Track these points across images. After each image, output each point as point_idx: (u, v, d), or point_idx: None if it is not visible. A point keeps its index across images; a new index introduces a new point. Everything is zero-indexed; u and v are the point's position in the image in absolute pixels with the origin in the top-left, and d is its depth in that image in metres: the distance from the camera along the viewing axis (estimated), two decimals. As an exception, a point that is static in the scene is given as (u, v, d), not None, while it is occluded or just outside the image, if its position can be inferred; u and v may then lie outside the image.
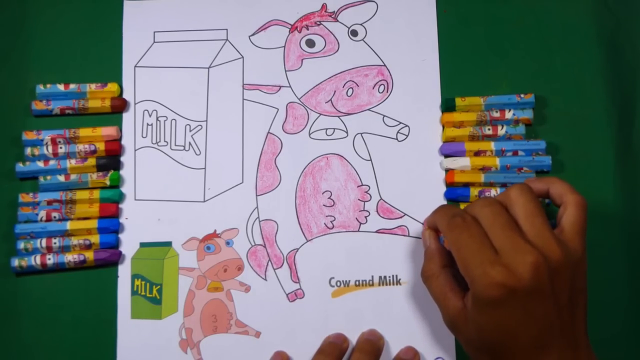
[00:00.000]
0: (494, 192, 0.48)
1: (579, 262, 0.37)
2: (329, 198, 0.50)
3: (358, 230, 0.49)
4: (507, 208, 0.38)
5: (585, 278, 0.38)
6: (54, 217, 0.49)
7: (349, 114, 0.51)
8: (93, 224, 0.48)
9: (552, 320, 0.35)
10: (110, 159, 0.50)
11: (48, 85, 0.51)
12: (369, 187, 0.50)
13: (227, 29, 0.52)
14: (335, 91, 0.51)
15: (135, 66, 0.52)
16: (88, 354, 0.47)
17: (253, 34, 0.52)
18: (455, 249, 0.37)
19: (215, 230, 0.49)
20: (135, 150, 0.51)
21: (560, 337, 0.36)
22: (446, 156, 0.50)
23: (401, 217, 0.49)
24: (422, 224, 0.47)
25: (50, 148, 0.50)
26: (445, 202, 0.49)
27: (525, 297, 0.34)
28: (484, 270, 0.35)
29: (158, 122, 0.51)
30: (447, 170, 0.49)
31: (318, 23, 0.52)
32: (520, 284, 0.34)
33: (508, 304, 0.35)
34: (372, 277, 0.48)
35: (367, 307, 0.48)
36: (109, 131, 0.50)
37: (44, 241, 0.48)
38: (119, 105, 0.51)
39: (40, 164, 0.49)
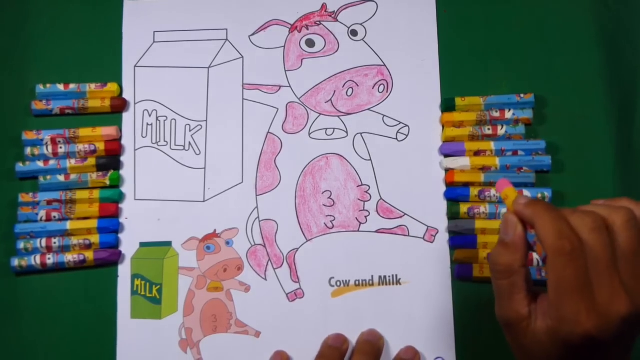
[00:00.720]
0: (493, 191, 0.48)
1: None
2: (329, 198, 0.50)
3: (358, 230, 0.49)
4: (608, 229, 0.35)
5: None
6: (54, 217, 0.49)
7: (349, 114, 0.51)
8: (93, 223, 0.48)
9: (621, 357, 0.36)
10: (110, 159, 0.50)
11: (48, 85, 0.51)
12: (369, 187, 0.50)
13: (227, 29, 0.52)
14: (335, 91, 0.51)
15: (135, 66, 0.52)
16: (88, 354, 0.47)
17: (253, 34, 0.52)
18: (555, 277, 0.34)
19: (215, 230, 0.49)
20: (135, 150, 0.51)
21: None
22: (446, 156, 0.50)
23: (401, 217, 0.49)
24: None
25: (50, 148, 0.50)
26: (445, 202, 0.49)
27: (606, 345, 0.34)
28: (577, 317, 0.33)
29: (158, 122, 0.51)
30: (447, 170, 0.49)
31: (318, 23, 0.52)
32: (607, 335, 0.33)
33: (588, 350, 0.34)
34: (372, 277, 0.48)
35: (367, 307, 0.48)
36: (108, 131, 0.50)
37: (43, 241, 0.48)
38: (119, 105, 0.51)
39: (40, 164, 0.49)
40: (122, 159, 0.50)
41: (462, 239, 0.48)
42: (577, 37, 0.52)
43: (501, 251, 0.37)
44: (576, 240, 0.34)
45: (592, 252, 0.34)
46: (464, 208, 0.48)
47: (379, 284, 0.48)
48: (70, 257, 0.48)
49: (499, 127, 0.49)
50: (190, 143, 0.51)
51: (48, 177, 0.49)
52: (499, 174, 0.48)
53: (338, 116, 0.51)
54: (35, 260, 0.48)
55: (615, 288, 0.34)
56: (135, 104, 0.51)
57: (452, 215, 0.49)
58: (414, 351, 0.46)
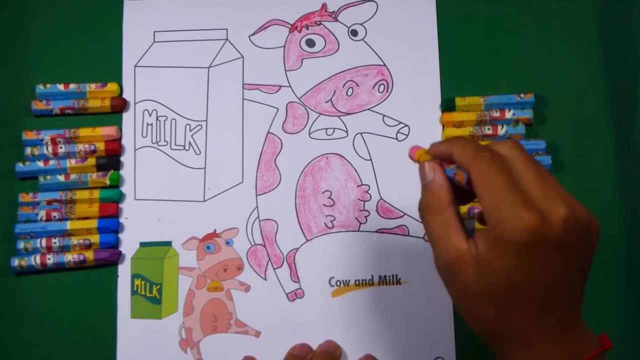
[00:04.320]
0: (494, 191, 0.48)
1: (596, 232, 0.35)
2: (329, 198, 0.50)
3: (358, 230, 0.49)
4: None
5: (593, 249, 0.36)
6: (54, 216, 0.49)
7: (349, 114, 0.51)
8: (93, 223, 0.48)
9: (568, 279, 0.34)
10: (110, 159, 0.50)
11: (48, 85, 0.51)
12: (369, 186, 0.50)
13: (227, 29, 0.52)
14: (335, 91, 0.51)
15: (135, 66, 0.52)
16: (88, 354, 0.47)
17: (253, 34, 0.52)
18: (482, 184, 0.33)
19: (215, 230, 0.49)
20: (135, 150, 0.51)
21: (567, 298, 0.34)
22: (446, 156, 0.50)
23: (401, 216, 0.49)
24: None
25: (50, 148, 0.50)
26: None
27: (551, 249, 0.32)
28: (517, 212, 0.32)
29: (158, 121, 0.51)
30: (447, 170, 0.49)
31: (318, 23, 0.52)
32: (551, 234, 0.32)
33: (534, 251, 0.32)
34: (372, 276, 0.48)
35: (367, 307, 0.48)
36: (108, 131, 0.50)
37: (43, 241, 0.48)
38: (119, 105, 0.51)
39: (40, 164, 0.49)
40: (122, 159, 0.50)
41: (462, 239, 0.48)
42: (577, 37, 0.52)
43: (427, 194, 0.36)
44: (494, 150, 0.34)
45: (516, 162, 0.34)
46: (463, 208, 0.48)
47: (379, 284, 0.48)
48: (70, 257, 0.48)
49: (499, 127, 0.49)
50: (190, 143, 0.51)
51: (48, 177, 0.49)
52: (499, 174, 0.48)
53: (338, 116, 0.51)
54: (35, 260, 0.48)
55: (549, 191, 0.33)
56: (135, 103, 0.51)
57: (452, 215, 0.49)
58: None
